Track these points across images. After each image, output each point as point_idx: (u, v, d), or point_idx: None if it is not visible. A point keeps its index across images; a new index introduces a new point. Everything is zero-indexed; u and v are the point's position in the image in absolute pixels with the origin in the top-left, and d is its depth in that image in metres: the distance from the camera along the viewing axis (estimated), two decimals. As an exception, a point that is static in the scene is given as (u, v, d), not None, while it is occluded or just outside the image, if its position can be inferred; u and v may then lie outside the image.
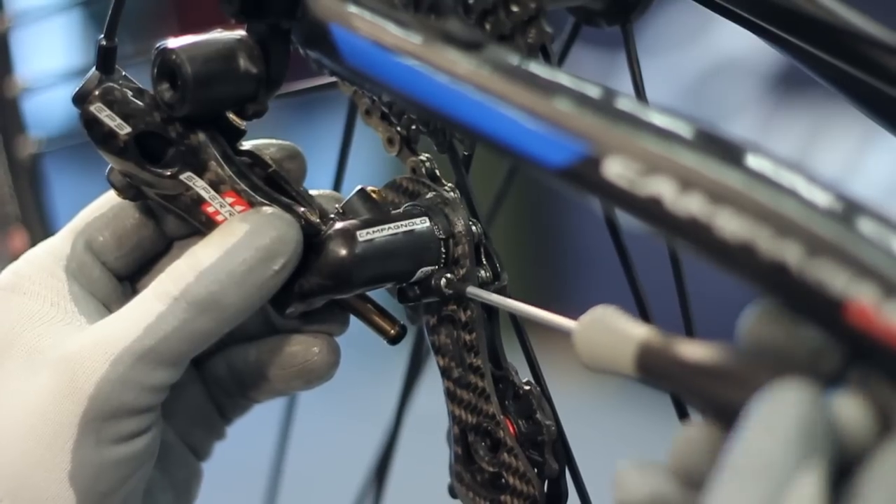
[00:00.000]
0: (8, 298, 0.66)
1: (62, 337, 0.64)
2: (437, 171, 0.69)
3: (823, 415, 0.47)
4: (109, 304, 0.67)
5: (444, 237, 0.66)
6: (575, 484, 0.68)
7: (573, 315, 0.57)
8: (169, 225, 0.69)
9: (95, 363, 0.62)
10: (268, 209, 0.65)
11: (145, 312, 0.63)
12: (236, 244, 0.63)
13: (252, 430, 0.83)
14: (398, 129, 0.68)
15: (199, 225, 0.66)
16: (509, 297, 0.67)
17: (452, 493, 0.69)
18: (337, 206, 0.68)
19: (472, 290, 0.66)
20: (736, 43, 2.54)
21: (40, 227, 1.06)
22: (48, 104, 1.11)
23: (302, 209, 0.65)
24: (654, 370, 0.52)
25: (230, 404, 0.71)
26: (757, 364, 0.49)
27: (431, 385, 0.71)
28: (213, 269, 0.63)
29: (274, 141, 0.70)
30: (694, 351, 0.51)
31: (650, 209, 0.51)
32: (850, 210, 0.48)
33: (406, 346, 0.80)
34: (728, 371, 0.50)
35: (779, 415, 0.47)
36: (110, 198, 0.69)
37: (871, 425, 0.47)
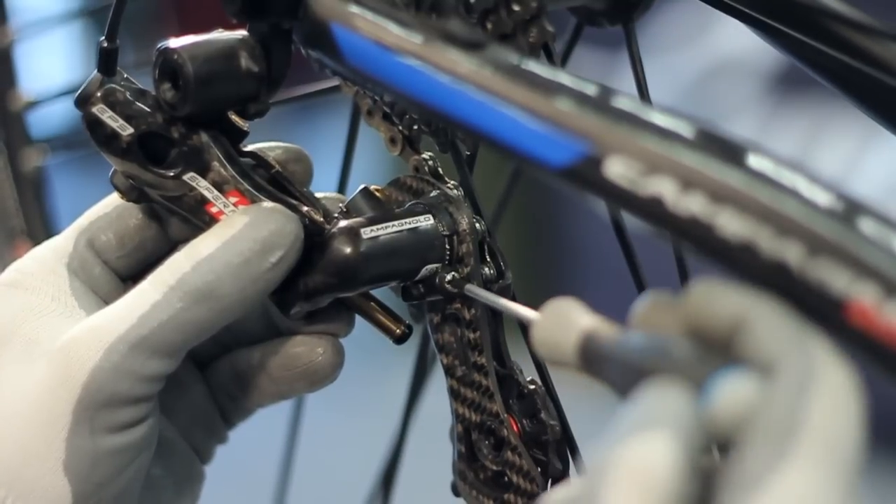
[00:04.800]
0: (9, 293, 0.66)
1: (60, 329, 0.64)
2: (440, 170, 0.69)
3: (682, 408, 0.47)
4: (110, 302, 0.67)
5: (448, 234, 0.66)
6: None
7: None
8: (172, 227, 0.69)
9: (89, 351, 0.62)
10: (268, 204, 0.65)
11: (141, 301, 0.63)
12: (235, 236, 0.63)
13: (260, 431, 0.83)
14: (400, 128, 0.68)
15: (203, 225, 0.66)
16: (513, 295, 0.67)
17: (455, 491, 0.69)
18: (340, 205, 0.68)
19: (471, 289, 0.66)
20: (736, 43, 2.54)
21: (45, 240, 1.06)
22: (52, 113, 1.11)
23: (305, 208, 0.66)
24: (593, 360, 0.52)
25: (233, 408, 0.71)
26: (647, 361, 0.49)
27: (438, 384, 0.71)
28: (210, 260, 0.63)
29: (279, 144, 0.70)
30: (623, 340, 0.51)
31: (651, 209, 0.51)
32: (851, 210, 0.48)
33: (413, 345, 0.80)
34: (630, 365, 0.50)
35: (639, 406, 0.48)
36: (115, 198, 0.69)
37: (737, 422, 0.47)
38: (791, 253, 0.48)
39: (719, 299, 0.48)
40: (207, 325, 0.63)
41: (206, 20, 0.71)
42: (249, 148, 0.68)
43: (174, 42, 0.65)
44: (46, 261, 0.67)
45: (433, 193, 0.68)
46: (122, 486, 0.64)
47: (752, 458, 0.45)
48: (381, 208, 0.67)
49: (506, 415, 0.67)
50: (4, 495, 0.63)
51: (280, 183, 0.67)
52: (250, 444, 0.97)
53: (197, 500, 0.71)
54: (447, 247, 0.66)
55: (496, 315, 0.68)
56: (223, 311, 0.63)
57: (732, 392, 0.47)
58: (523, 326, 0.68)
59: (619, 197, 0.52)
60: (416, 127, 0.68)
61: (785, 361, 0.46)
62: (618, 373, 0.50)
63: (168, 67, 0.65)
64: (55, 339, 0.64)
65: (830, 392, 0.46)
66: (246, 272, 0.63)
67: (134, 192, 0.67)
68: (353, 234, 0.65)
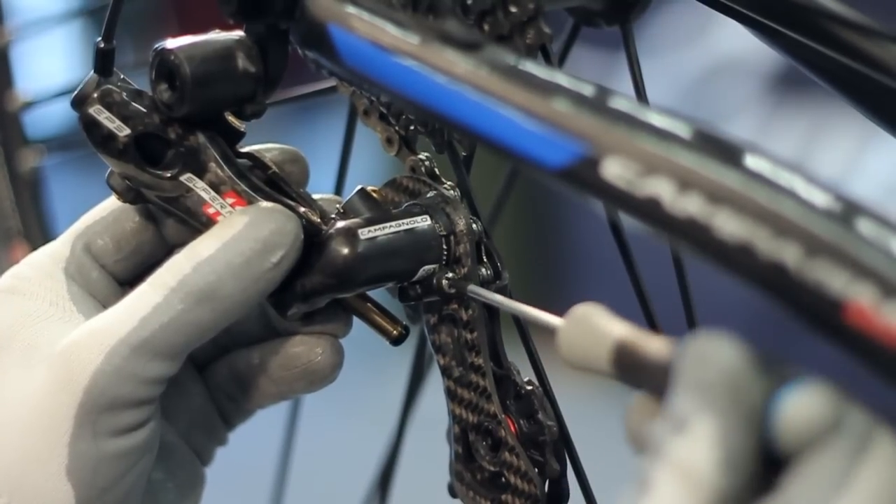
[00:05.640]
0: (6, 300, 0.66)
1: (60, 333, 0.64)
2: (437, 170, 0.69)
3: (738, 370, 0.47)
4: (108, 306, 0.67)
5: (445, 235, 0.66)
6: (579, 483, 0.68)
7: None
8: (169, 230, 0.69)
9: (91, 354, 0.62)
10: (267, 203, 0.65)
11: (142, 304, 0.63)
12: (235, 236, 0.63)
13: (257, 431, 0.83)
14: (397, 129, 0.68)
15: (200, 226, 0.66)
16: (510, 295, 0.67)
17: (452, 492, 0.69)
18: (337, 206, 0.68)
19: (473, 289, 0.66)
20: (736, 43, 2.54)
21: (42, 241, 1.06)
22: (49, 114, 1.11)
23: (303, 209, 0.65)
24: (628, 368, 0.52)
25: (233, 409, 0.71)
26: None
27: (436, 385, 0.71)
28: (211, 261, 0.63)
29: (276, 145, 0.70)
30: (660, 349, 0.51)
31: (649, 210, 0.51)
32: (849, 210, 0.48)
33: (410, 346, 0.80)
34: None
35: (688, 361, 0.47)
36: (112, 202, 0.69)
37: (812, 424, 0.46)
38: (789, 254, 0.48)
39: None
40: (209, 327, 0.63)
41: (205, 20, 0.71)
42: (246, 149, 0.68)
43: (171, 43, 0.65)
44: (43, 266, 0.67)
45: (430, 194, 0.68)
46: (124, 490, 0.64)
47: (803, 496, 0.45)
48: (378, 209, 0.67)
49: (503, 415, 0.67)
50: (7, 502, 0.62)
51: (277, 184, 0.67)
52: (247, 446, 0.96)
53: (198, 503, 0.71)
54: (444, 247, 0.66)
55: (493, 316, 0.67)
56: (225, 312, 0.63)
57: (807, 405, 0.46)
58: (520, 326, 0.68)
59: (617, 198, 0.52)
60: (412, 127, 0.68)
61: (850, 418, 0.46)
62: (665, 382, 0.50)
63: (165, 68, 0.65)
64: (54, 344, 0.63)
65: (883, 462, 0.46)
66: (247, 272, 0.63)
67: (130, 194, 0.67)
68: (350, 234, 0.65)
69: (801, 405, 0.46)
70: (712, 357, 0.47)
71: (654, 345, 0.51)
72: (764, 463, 0.47)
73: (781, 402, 0.46)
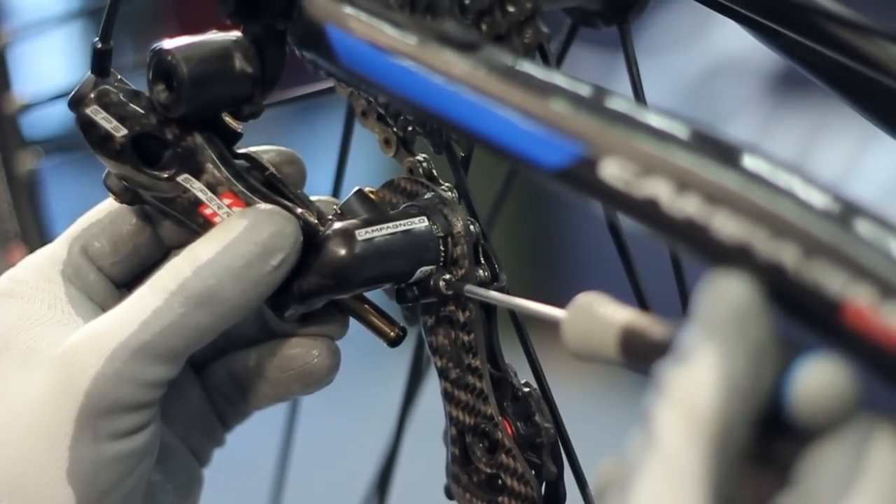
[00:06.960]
0: (4, 303, 0.66)
1: (58, 337, 0.64)
2: (435, 171, 0.68)
3: (745, 303, 0.47)
4: (106, 308, 0.67)
5: (442, 236, 0.66)
6: (578, 485, 0.68)
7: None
8: (166, 231, 0.69)
9: (91, 358, 0.62)
10: (265, 205, 0.65)
11: (142, 307, 0.63)
12: (235, 239, 0.63)
13: (256, 432, 0.83)
14: (395, 130, 0.68)
15: (197, 227, 0.66)
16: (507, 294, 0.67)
17: (449, 494, 0.69)
18: (335, 207, 0.68)
19: (470, 288, 0.66)
20: (736, 43, 2.54)
21: (40, 244, 1.06)
22: (46, 116, 1.11)
23: (300, 210, 0.65)
24: (635, 353, 0.51)
25: (230, 411, 0.71)
26: None
27: (434, 386, 0.71)
28: (211, 264, 0.63)
29: (273, 146, 0.70)
30: (670, 331, 0.50)
31: (647, 210, 0.51)
32: (847, 211, 0.48)
33: (408, 347, 0.80)
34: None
35: (701, 297, 0.47)
36: (108, 204, 0.69)
37: (834, 400, 0.46)
38: (787, 254, 0.47)
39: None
40: (209, 330, 0.63)
41: (205, 21, 0.71)
42: (243, 150, 0.68)
43: (168, 43, 0.65)
44: (40, 269, 0.67)
45: (427, 195, 0.68)
46: (124, 492, 0.64)
47: (823, 483, 0.45)
48: (376, 210, 0.67)
49: (500, 417, 0.67)
50: None
51: (274, 185, 0.67)
52: (246, 446, 0.96)
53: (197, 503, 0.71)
54: (441, 249, 0.66)
55: (490, 317, 0.67)
56: (225, 316, 0.63)
57: (830, 377, 0.46)
58: (518, 326, 0.67)
59: (615, 198, 0.52)
60: (410, 128, 0.68)
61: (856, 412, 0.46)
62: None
63: (162, 69, 0.65)
64: (54, 347, 0.63)
65: (888, 447, 0.45)
66: (247, 275, 0.63)
67: (127, 194, 0.67)
68: (347, 235, 0.64)
69: (825, 376, 0.46)
70: (722, 291, 0.47)
71: (660, 328, 0.51)
72: (767, 425, 0.46)
73: (802, 370, 0.46)
